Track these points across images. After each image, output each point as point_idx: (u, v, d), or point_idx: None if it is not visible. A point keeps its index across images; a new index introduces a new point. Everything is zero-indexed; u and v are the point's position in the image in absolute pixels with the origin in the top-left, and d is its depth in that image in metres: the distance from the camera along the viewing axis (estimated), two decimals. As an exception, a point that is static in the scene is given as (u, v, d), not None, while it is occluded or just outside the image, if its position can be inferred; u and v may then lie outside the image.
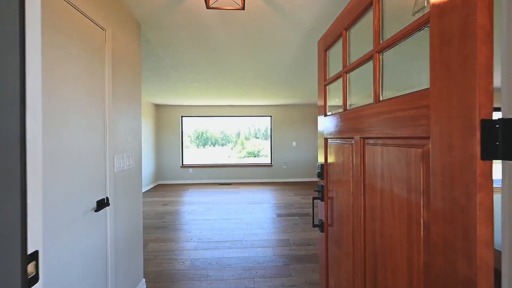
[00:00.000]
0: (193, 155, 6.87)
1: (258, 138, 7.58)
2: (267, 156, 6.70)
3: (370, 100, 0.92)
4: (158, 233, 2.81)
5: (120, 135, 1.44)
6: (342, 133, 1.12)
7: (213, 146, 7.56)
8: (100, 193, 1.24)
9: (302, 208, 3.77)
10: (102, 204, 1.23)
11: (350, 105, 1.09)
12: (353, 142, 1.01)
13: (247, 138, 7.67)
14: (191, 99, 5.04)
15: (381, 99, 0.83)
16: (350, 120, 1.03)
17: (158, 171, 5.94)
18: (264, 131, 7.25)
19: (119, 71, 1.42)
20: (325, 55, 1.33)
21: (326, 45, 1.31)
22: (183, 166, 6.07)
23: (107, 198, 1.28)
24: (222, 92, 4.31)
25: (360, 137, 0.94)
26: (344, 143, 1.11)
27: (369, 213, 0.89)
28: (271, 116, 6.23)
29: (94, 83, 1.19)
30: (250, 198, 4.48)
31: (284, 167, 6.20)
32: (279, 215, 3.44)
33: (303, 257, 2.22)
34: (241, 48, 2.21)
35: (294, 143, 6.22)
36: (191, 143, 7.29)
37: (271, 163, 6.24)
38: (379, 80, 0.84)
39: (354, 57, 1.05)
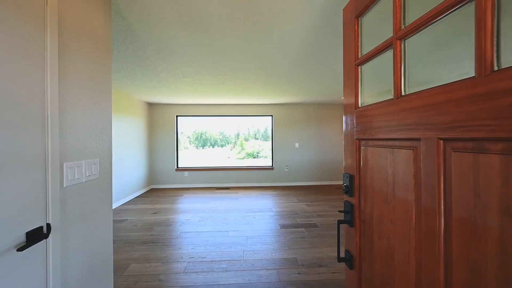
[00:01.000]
0: (192, 156, 6.52)
1: (257, 139, 7.26)
2: (266, 157, 6.35)
3: (449, 76, 0.55)
4: (143, 250, 2.42)
5: (75, 135, 1.06)
6: (392, 131, 0.74)
7: (213, 147, 7.24)
8: (35, 219, 0.85)
9: (309, 218, 3.38)
10: (36, 236, 0.84)
11: (408, 88, 0.71)
12: (419, 146, 0.63)
13: (246, 139, 7.35)
14: (186, 97, 4.66)
15: (497, 67, 0.46)
16: (413, 112, 0.65)
17: (151, 175, 5.55)
18: (264, 132, 6.92)
19: (74, 47, 1.04)
20: (357, 24, 0.96)
21: (358, 9, 0.94)
22: (178, 169, 5.68)
23: (48, 225, 0.90)
24: (219, 89, 3.93)
25: (439, 138, 0.56)
26: (396, 148, 0.73)
27: (467, 275, 0.50)
28: (272, 116, 5.86)
29: (24, 59, 0.81)
30: (250, 205, 4.09)
31: (286, 170, 5.82)
32: (283, 226, 3.05)
33: (315, 284, 1.83)
34: (237, 30, 1.84)
35: (296, 145, 5.84)
36: (190, 144, 7.00)
37: (272, 165, 5.85)
38: (491, 35, 0.46)
39: (412, 17, 0.68)
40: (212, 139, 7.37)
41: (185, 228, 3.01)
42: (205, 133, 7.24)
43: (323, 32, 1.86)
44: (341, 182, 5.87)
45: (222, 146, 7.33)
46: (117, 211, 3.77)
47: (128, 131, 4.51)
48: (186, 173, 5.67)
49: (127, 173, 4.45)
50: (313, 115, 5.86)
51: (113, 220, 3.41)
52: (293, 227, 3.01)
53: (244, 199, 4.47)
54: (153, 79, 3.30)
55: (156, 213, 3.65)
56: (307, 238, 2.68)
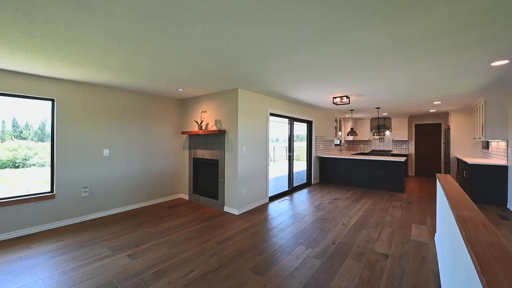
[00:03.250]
0: None
1: (25, 138, 3.89)
2: (44, 166, 3.46)
3: None
4: None
5: None
6: None
7: None
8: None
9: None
10: None
11: None
12: None
13: (2, 139, 3.70)
14: None
15: None
16: None
17: None
18: (39, 128, 3.83)
19: None
20: None
21: None
22: None
23: None
24: None
25: None
26: None
27: None
28: (54, 100, 3.23)
29: None
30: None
31: (84, 194, 3.47)
32: None
33: None
34: None
35: (106, 152, 3.71)
36: None
37: (52, 191, 3.22)
38: None
39: None
40: None
41: None
42: None
43: None
44: (174, 198, 4.63)
45: None
46: None
47: None
48: None
49: None
50: (135, 108, 4.08)
51: None
52: None
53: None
54: None
55: None
56: None
